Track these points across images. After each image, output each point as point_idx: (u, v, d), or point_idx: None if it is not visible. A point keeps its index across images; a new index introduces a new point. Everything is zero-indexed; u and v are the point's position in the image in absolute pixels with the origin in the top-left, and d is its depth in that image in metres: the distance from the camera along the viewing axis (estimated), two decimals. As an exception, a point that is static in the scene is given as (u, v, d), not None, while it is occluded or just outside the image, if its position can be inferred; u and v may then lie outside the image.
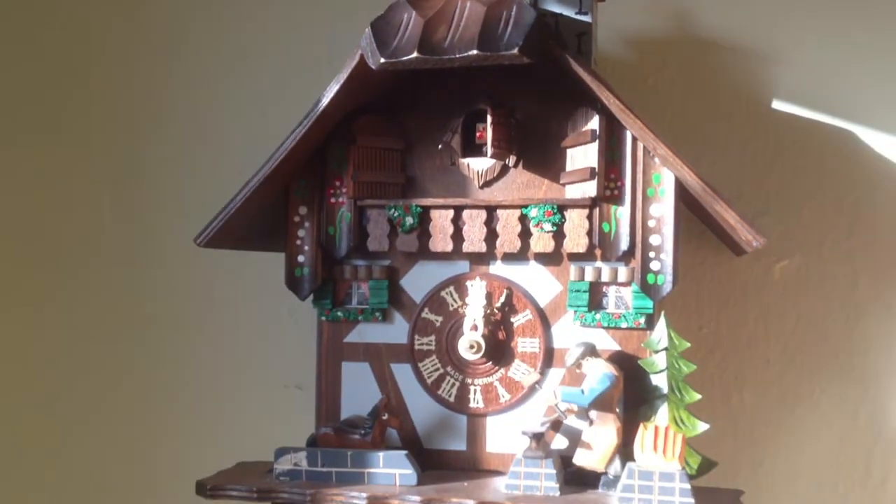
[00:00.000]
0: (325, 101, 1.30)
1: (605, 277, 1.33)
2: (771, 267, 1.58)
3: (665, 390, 1.27)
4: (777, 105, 1.58)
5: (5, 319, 1.92)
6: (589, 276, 1.33)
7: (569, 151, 1.33)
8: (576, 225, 1.31)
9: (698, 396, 1.27)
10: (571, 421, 1.30)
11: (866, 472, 1.54)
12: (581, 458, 1.27)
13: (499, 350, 1.36)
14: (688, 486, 1.18)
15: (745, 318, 1.59)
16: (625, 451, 1.26)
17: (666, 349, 1.27)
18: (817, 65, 1.57)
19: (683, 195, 1.27)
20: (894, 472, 1.53)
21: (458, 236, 1.36)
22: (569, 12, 1.36)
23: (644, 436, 1.21)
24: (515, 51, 1.17)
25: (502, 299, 1.37)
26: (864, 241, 1.55)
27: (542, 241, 1.33)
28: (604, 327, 1.33)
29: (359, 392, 1.41)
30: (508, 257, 1.37)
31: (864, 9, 1.56)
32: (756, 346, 1.59)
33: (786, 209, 1.58)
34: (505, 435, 1.36)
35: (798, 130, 1.57)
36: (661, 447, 1.20)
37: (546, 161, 1.35)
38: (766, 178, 1.58)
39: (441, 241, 1.36)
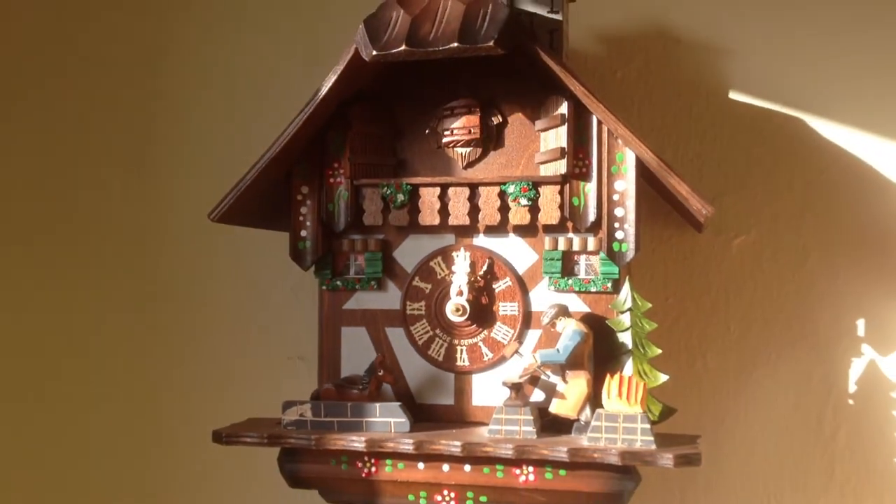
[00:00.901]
0: (324, 89, 1.37)
1: (576, 247, 1.40)
2: (730, 242, 1.64)
3: (630, 346, 1.35)
4: (733, 96, 1.64)
5: (33, 298, 1.97)
6: (561, 245, 1.40)
7: (542, 134, 1.40)
8: (549, 200, 1.38)
9: (659, 351, 1.35)
10: (548, 376, 1.36)
11: (818, 427, 1.60)
12: (556, 407, 1.35)
13: (482, 313, 1.43)
14: (648, 426, 1.28)
15: (707, 290, 1.65)
16: (594, 400, 1.34)
17: (630, 309, 1.35)
18: (770, 59, 1.63)
19: (644, 173, 1.35)
20: (844, 426, 1.59)
21: (444, 211, 1.42)
22: (542, 11, 1.42)
23: (610, 385, 1.30)
24: (491, 43, 1.26)
25: (485, 268, 1.43)
26: (814, 219, 1.62)
27: (519, 215, 1.39)
28: (575, 291, 1.40)
29: (357, 354, 1.48)
30: (490, 230, 1.43)
31: (809, 9, 1.62)
32: (717, 314, 1.65)
33: (742, 190, 1.64)
34: (489, 390, 1.43)
35: (753, 119, 1.64)
36: (626, 394, 1.29)
37: (522, 143, 1.42)
38: (724, 162, 1.64)
39: (429, 215, 1.43)
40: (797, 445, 1.62)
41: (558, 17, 1.44)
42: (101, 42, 1.95)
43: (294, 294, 1.80)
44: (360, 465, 1.39)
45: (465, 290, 1.41)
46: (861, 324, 1.59)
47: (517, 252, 1.43)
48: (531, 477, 1.33)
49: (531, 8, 1.44)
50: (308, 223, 1.48)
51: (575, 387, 1.35)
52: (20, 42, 2.00)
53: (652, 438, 1.26)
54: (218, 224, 1.48)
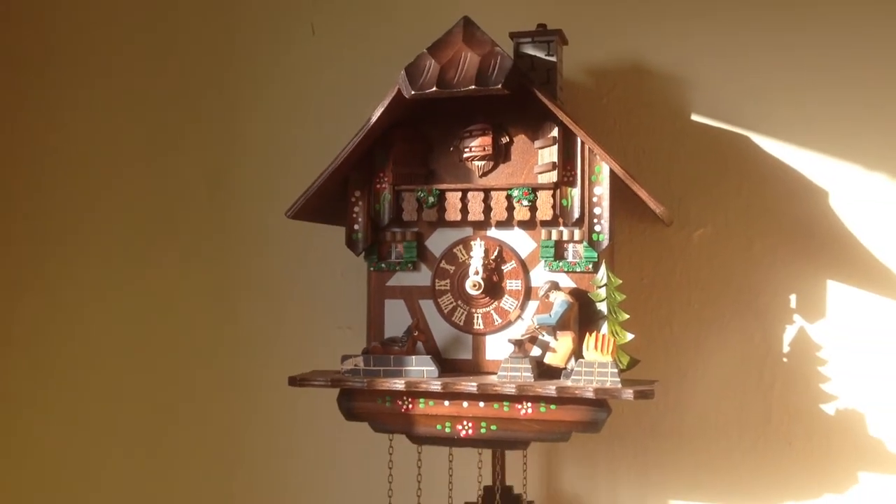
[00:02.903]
0: (374, 118, 1.57)
1: (565, 237, 1.57)
2: (691, 234, 1.78)
3: (605, 312, 1.53)
4: (694, 117, 1.78)
5: (126, 291, 2.17)
6: (554, 236, 1.57)
7: (539, 151, 1.56)
8: (544, 201, 1.56)
9: (627, 316, 1.53)
10: (544, 336, 1.54)
11: (759, 379, 1.74)
12: (549, 359, 1.54)
13: (493, 288, 1.59)
14: (616, 371, 1.47)
15: (673, 271, 1.79)
16: (578, 353, 1.52)
17: (605, 285, 1.53)
18: (723, 89, 1.78)
19: (617, 181, 1.53)
20: (779, 379, 1.73)
21: (464, 210, 1.59)
22: (541, 54, 1.63)
23: (589, 340, 1.50)
24: (499, 86, 1.46)
25: (495, 253, 1.60)
26: (757, 215, 1.75)
27: (521, 213, 1.57)
28: (565, 272, 1.57)
29: (397, 320, 1.64)
30: (499, 224, 1.60)
31: (753, 51, 1.77)
32: (681, 291, 1.79)
33: (701, 193, 1.78)
34: (498, 347, 1.60)
35: (709, 136, 1.77)
36: (601, 347, 1.49)
37: (524, 158, 1.58)
38: (687, 171, 1.78)
39: (453, 213, 1.60)
40: (742, 394, 1.75)
41: (553, 59, 1.63)
42: (199, 65, 2.11)
43: (343, 276, 1.96)
44: (400, 402, 1.57)
45: (481, 270, 1.57)
46: (793, 298, 1.73)
47: (520, 241, 1.60)
48: (529, 410, 1.51)
49: (532, 51, 1.64)
50: (360, 219, 1.65)
51: (563, 343, 1.54)
52: (118, 62, 2.16)
53: (619, 380, 1.46)
54: (289, 220, 1.66)
